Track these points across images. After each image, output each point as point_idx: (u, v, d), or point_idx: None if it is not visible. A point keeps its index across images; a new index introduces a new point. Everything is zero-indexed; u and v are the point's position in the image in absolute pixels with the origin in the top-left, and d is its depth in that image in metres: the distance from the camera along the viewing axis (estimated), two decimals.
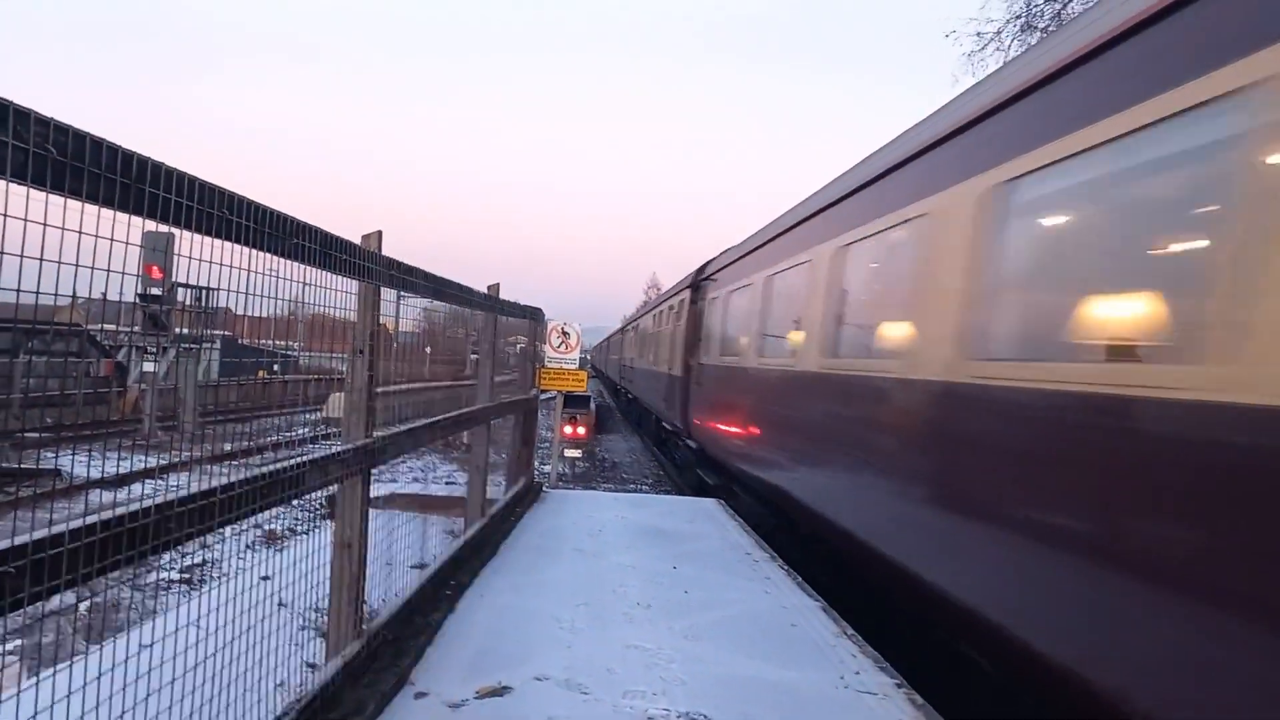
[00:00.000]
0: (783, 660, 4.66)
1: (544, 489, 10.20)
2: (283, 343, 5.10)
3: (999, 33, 18.34)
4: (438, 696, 3.92)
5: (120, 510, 1.98)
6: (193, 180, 2.16)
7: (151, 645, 2.46)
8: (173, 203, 2.07)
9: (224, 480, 2.48)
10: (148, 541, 2.10)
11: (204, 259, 2.47)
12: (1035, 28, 17.56)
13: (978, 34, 18.64)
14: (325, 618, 3.90)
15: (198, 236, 2.35)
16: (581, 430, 19.29)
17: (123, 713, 2.21)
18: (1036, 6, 17.96)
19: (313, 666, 3.68)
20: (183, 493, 2.24)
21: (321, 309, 3.46)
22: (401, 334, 6.01)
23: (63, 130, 1.72)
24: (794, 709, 4.03)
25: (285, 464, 2.91)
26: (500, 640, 4.69)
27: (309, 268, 3.19)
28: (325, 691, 3.43)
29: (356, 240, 3.56)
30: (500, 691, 4.01)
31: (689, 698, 4.06)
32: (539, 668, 4.31)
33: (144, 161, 1.94)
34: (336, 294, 3.61)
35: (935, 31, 19.52)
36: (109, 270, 1.97)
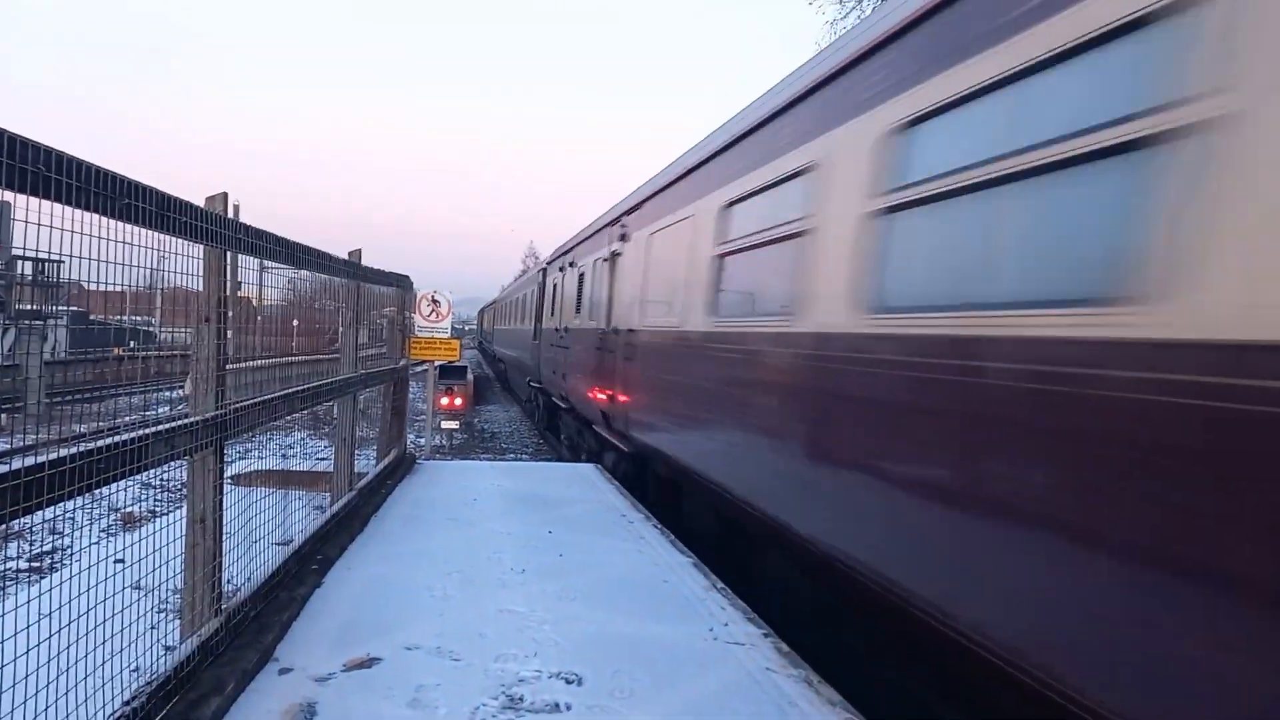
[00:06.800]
0: (654, 617, 4.78)
1: (418, 461, 10.04)
2: (142, 318, 4.81)
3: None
4: (303, 671, 3.84)
5: None
6: None
7: None
8: None
9: (53, 455, 2.32)
10: None
11: (48, 226, 2.30)
12: None
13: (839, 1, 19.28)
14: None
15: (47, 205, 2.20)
16: (458, 401, 18.98)
17: None
18: None
19: (170, 649, 3.54)
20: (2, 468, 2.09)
21: (183, 280, 3.28)
22: (266, 306, 5.75)
23: None
24: (664, 663, 4.14)
25: (125, 436, 2.76)
26: (369, 612, 4.62)
27: (169, 237, 3.04)
28: (180, 671, 3.31)
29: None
30: (369, 663, 3.96)
31: (560, 658, 4.12)
32: (409, 637, 4.28)
33: None
34: (198, 263, 3.44)
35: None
36: None
